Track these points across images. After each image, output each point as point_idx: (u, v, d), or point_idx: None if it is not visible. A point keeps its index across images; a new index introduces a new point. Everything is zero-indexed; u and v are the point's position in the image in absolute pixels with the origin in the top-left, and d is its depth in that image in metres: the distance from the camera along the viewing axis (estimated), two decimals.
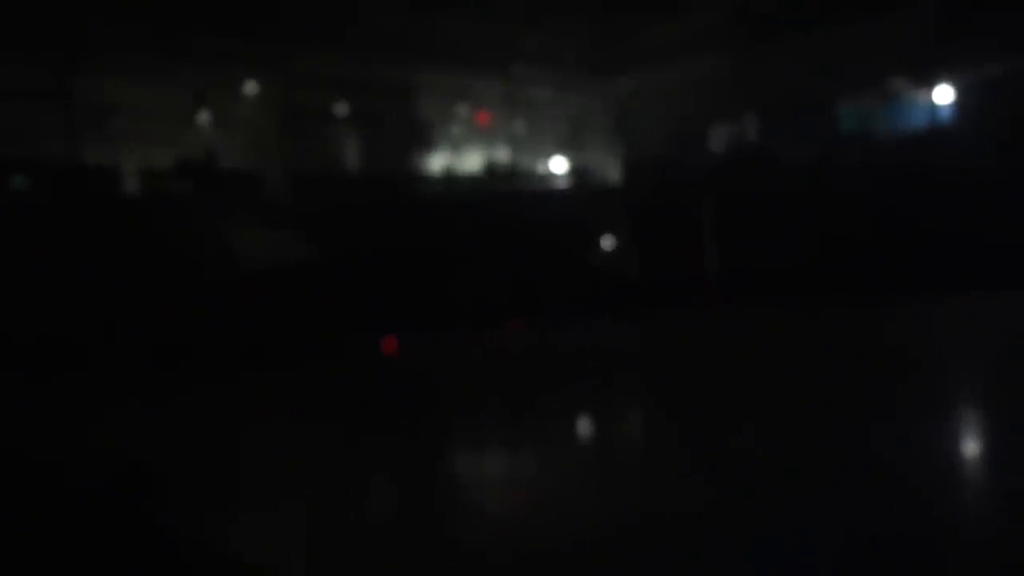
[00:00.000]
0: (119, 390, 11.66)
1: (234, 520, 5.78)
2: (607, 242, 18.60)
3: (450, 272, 16.29)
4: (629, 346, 13.31)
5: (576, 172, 21.85)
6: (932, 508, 5.10)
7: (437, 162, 22.27)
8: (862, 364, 10.11)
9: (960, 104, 17.60)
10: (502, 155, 22.13)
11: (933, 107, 17.98)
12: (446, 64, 21.11)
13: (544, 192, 20.84)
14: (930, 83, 17.92)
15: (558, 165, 22.48)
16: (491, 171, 21.06)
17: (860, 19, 17.78)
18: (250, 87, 20.09)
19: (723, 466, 6.31)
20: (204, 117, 19.42)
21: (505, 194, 19.65)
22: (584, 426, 8.60)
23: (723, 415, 8.03)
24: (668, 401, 8.95)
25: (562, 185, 21.57)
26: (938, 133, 17.47)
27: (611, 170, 21.85)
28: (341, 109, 20.95)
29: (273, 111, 19.89)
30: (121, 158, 17.17)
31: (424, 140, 21.60)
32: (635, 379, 10.57)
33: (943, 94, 17.78)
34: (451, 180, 20.66)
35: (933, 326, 12.88)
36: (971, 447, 6.81)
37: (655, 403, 9.09)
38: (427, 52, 20.34)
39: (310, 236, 16.20)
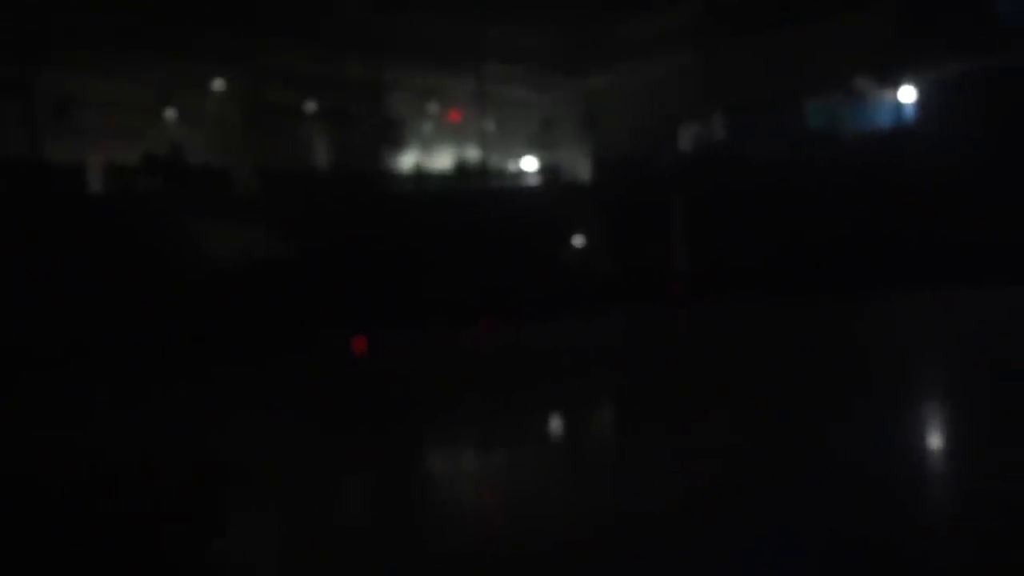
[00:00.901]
0: (86, 390, 11.48)
1: (210, 520, 5.71)
2: (578, 240, 18.62)
3: (421, 271, 16.22)
4: (601, 344, 13.32)
5: (547, 170, 21.86)
6: (903, 504, 5.16)
7: (408, 160, 22.17)
8: (830, 360, 10.23)
9: (924, 103, 17.84)
10: (473, 153, 22.08)
11: (898, 106, 18.21)
12: (417, 62, 21.01)
13: (515, 190, 20.82)
14: (895, 82, 18.15)
15: (529, 163, 22.48)
16: (462, 169, 21.01)
17: (826, 18, 17.96)
18: (218, 83, 19.85)
19: (697, 463, 6.35)
20: (171, 113, 19.16)
21: (476, 192, 19.60)
22: (558, 424, 8.59)
23: (696, 412, 8.08)
24: (641, 399, 8.97)
25: (533, 183, 21.57)
26: (903, 132, 17.70)
27: (582, 168, 21.88)
28: (311, 106, 20.77)
29: (242, 107, 19.67)
30: (86, 154, 16.89)
31: (395, 138, 21.49)
32: (608, 377, 10.57)
33: (908, 93, 18.02)
34: (422, 178, 20.58)
35: (900, 322, 13.04)
36: (935, 441, 6.91)
37: (629, 401, 9.10)
38: (398, 49, 20.23)
39: (278, 234, 16.05)
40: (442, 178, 20.48)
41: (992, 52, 16.53)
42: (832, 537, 4.67)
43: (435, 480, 6.76)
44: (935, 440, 6.88)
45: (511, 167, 22.39)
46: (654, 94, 20.35)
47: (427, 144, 22.71)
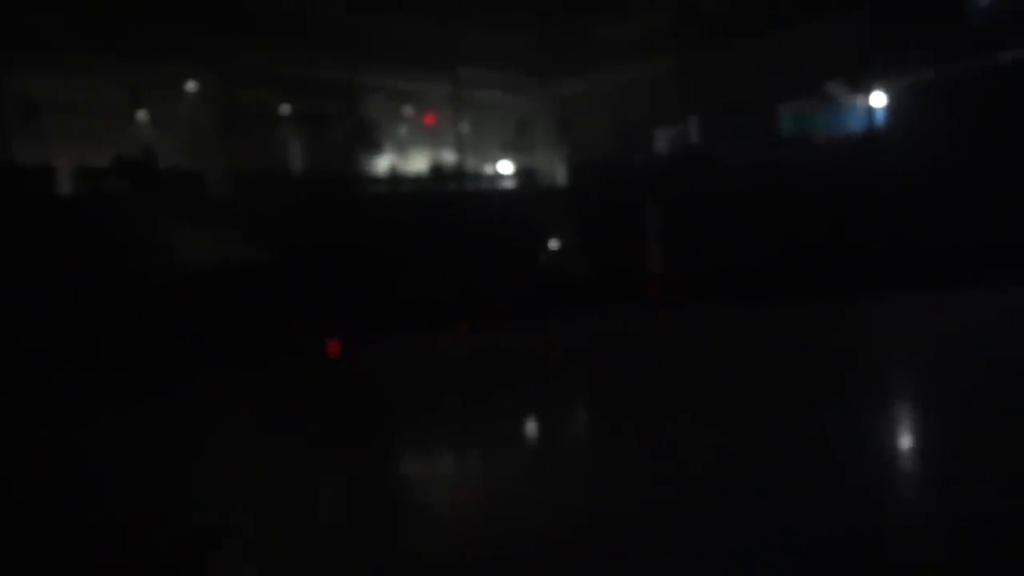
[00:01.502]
0: (58, 395, 11.31)
1: (184, 523, 5.64)
2: (554, 243, 18.64)
3: (396, 273, 16.15)
4: (577, 345, 13.34)
5: (523, 173, 21.88)
6: (874, 502, 5.21)
7: (383, 162, 22.11)
8: (804, 361, 10.32)
9: (895, 108, 18.08)
10: (449, 156, 22.07)
11: (870, 111, 18.44)
12: (392, 64, 20.96)
13: (491, 193, 20.81)
14: (868, 88, 18.39)
15: (505, 166, 22.49)
16: (438, 172, 20.97)
17: (800, 24, 18.14)
18: (191, 85, 19.67)
19: (673, 465, 6.37)
20: (143, 115, 18.95)
21: (452, 194, 19.56)
22: (535, 427, 8.57)
23: (672, 414, 8.11)
24: (618, 401, 8.98)
25: (509, 186, 21.57)
26: (874, 136, 17.93)
27: (557, 171, 21.94)
28: (285, 108, 20.64)
29: (215, 109, 19.50)
30: (55, 156, 16.65)
31: (370, 140, 21.41)
32: (585, 378, 10.59)
33: (879, 99, 18.26)
34: (397, 181, 20.51)
35: (874, 324, 13.17)
36: (906, 440, 7.00)
37: (605, 403, 9.11)
38: (373, 52, 20.18)
39: (251, 236, 15.90)
40: (418, 181, 20.43)
41: (961, 59, 16.81)
42: (813, 537, 4.70)
43: (406, 483, 6.72)
44: (905, 440, 6.96)
45: (487, 170, 22.40)
46: (629, 98, 20.45)
47: (403, 147, 22.67)
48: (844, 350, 10.74)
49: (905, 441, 6.90)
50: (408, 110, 22.85)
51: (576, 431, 8.42)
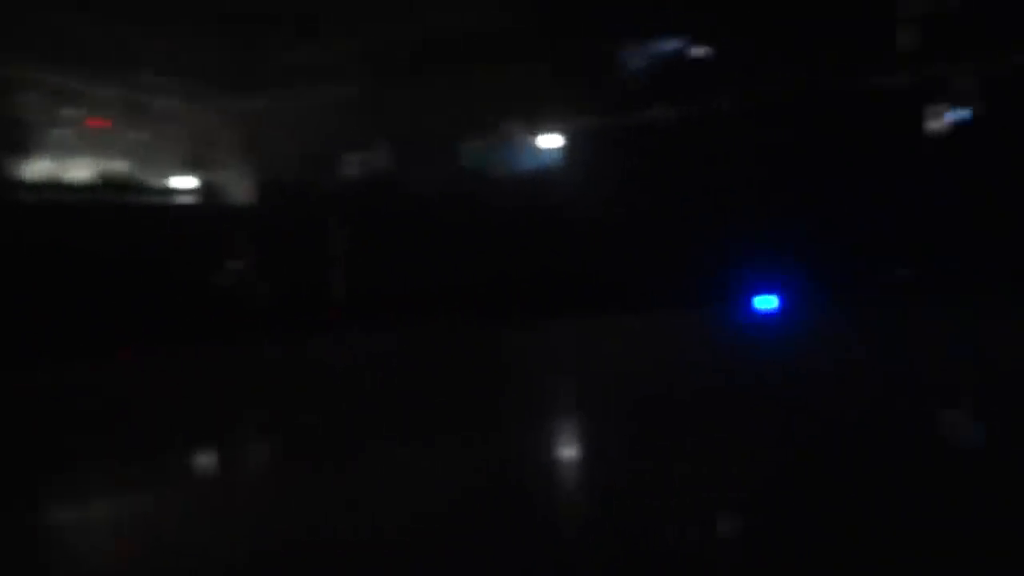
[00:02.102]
0: None
1: None
2: (234, 264, 17.87)
3: (46, 293, 14.46)
4: (248, 372, 12.85)
5: (204, 190, 20.74)
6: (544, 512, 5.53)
7: (40, 168, 19.77)
8: (475, 384, 10.76)
9: (568, 151, 19.75)
10: (120, 165, 20.28)
11: (545, 151, 19.98)
12: (55, 62, 18.93)
13: (165, 207, 19.50)
14: (543, 129, 19.91)
15: (184, 181, 21.16)
16: (107, 181, 19.20)
17: (483, 65, 19.10)
18: None
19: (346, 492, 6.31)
20: None
21: (119, 207, 18.03)
22: (202, 462, 8.11)
23: (352, 443, 8.05)
24: (296, 432, 8.75)
25: (187, 202, 20.35)
26: (547, 175, 19.45)
27: (242, 189, 21.09)
28: None
29: None
30: None
31: (25, 143, 19.08)
32: (259, 411, 10.20)
33: (553, 140, 19.85)
34: (56, 188, 18.46)
35: (543, 350, 14.04)
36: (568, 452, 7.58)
37: (283, 435, 8.85)
38: (34, 47, 18.10)
39: None
40: (81, 189, 18.54)
41: (622, 110, 18.80)
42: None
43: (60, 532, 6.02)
44: (567, 452, 7.52)
45: (163, 184, 20.92)
46: (320, 119, 20.26)
47: (66, 153, 20.46)
48: (513, 376, 11.39)
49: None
50: (75, 113, 20.70)
51: (253, 466, 8.08)
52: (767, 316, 14.99)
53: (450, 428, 8.28)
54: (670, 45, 19.66)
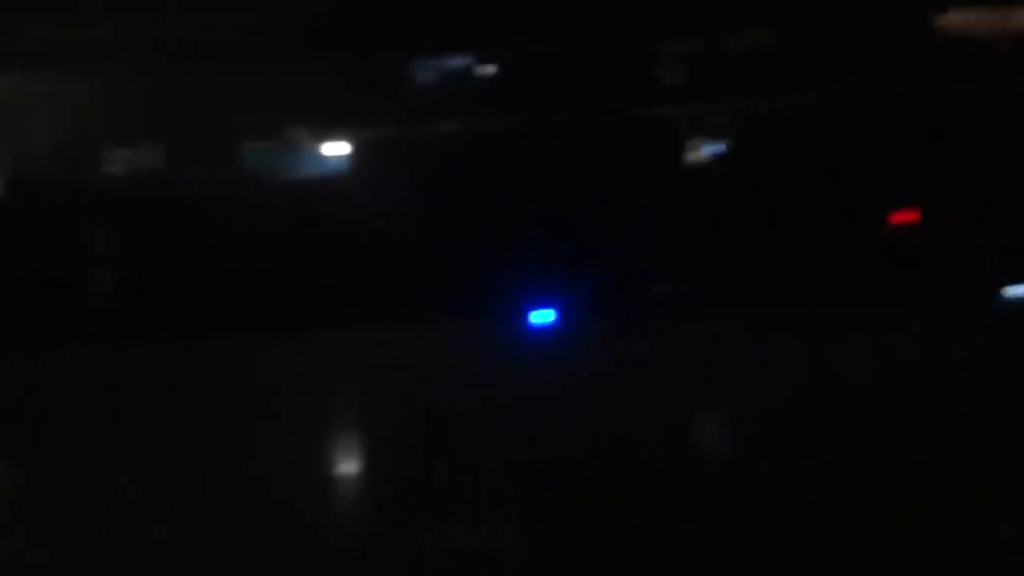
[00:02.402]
0: None
1: None
2: None
3: None
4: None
5: None
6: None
7: None
8: (233, 398, 10.32)
9: (353, 160, 19.49)
10: None
11: (329, 159, 19.59)
12: None
13: None
14: (329, 137, 19.51)
15: None
16: None
17: (263, 63, 18.49)
18: None
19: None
20: None
21: None
22: None
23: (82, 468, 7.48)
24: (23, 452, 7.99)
25: None
26: (330, 183, 19.11)
27: None
28: None
29: None
30: None
31: None
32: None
33: (338, 148, 19.49)
34: None
35: (313, 361, 13.71)
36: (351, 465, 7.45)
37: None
38: None
39: None
40: None
41: (408, 122, 18.85)
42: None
43: None
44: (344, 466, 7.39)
45: None
46: (78, 109, 18.67)
47: None
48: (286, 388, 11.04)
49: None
50: None
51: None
52: (542, 330, 15.60)
53: (194, 446, 7.91)
54: (458, 62, 20.03)
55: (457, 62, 20.96)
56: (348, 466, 7.91)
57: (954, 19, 18.24)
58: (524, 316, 15.93)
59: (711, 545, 5.07)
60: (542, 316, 15.89)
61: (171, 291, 15.91)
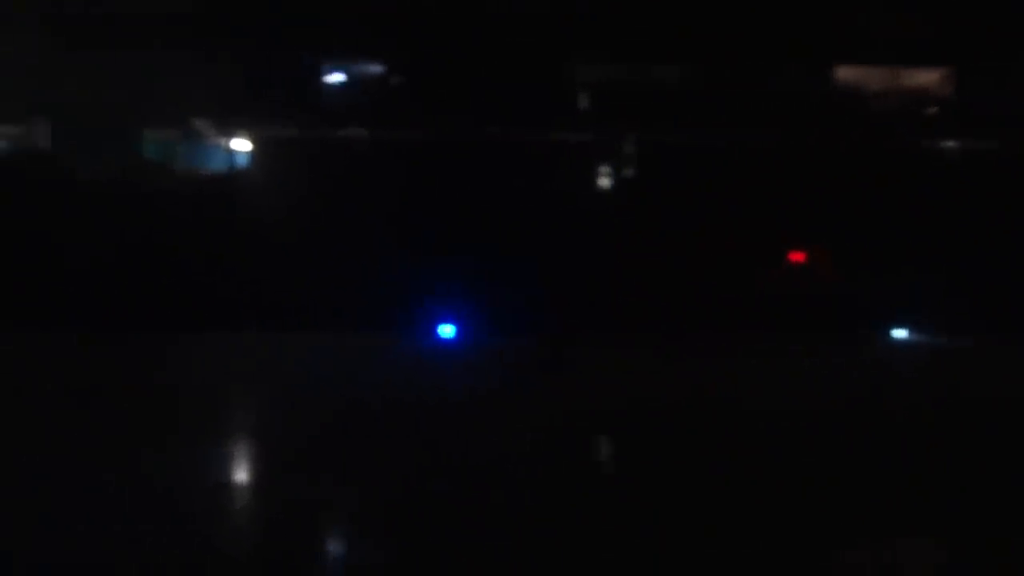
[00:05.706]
0: None
1: None
2: None
3: None
4: None
5: None
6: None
7: None
8: (130, 399, 9.85)
9: (259, 157, 18.99)
10: None
11: (234, 155, 19.07)
12: None
13: None
14: (233, 132, 18.97)
15: None
16: None
17: (165, 52, 17.80)
18: None
19: None
20: None
21: None
22: None
23: None
24: None
25: None
26: (233, 178, 18.58)
27: None
28: None
29: None
30: None
31: None
32: None
33: (243, 144, 19.01)
34: None
35: (205, 363, 13.20)
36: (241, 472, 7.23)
37: None
38: None
39: None
40: None
41: (317, 125, 18.57)
42: None
43: None
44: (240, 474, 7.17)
45: None
46: None
47: None
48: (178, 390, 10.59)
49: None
50: None
51: None
52: (446, 344, 15.74)
53: (90, 442, 7.58)
54: (371, 70, 19.94)
55: (371, 71, 20.81)
56: (232, 470, 7.68)
57: (849, 75, 19.41)
58: (426, 330, 15.93)
59: (594, 551, 5.24)
60: (446, 331, 15.90)
61: (53, 281, 14.93)
